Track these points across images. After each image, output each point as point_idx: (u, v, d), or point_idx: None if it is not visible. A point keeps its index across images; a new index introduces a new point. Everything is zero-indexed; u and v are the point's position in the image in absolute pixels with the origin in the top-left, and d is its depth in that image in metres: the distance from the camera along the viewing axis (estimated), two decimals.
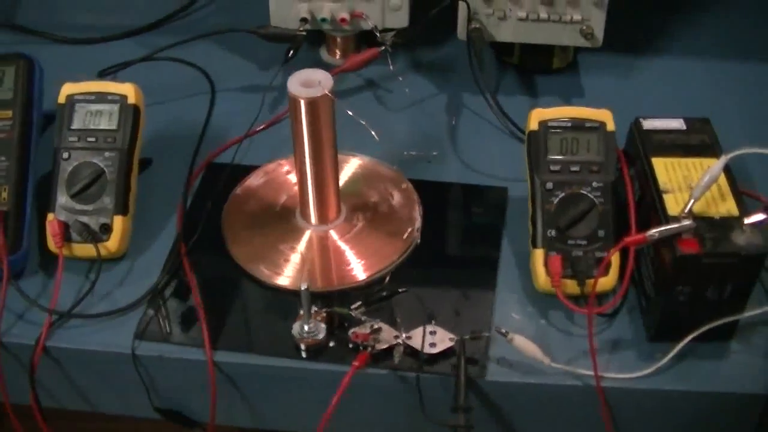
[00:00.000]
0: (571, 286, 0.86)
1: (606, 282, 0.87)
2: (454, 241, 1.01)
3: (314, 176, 0.93)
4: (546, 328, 0.88)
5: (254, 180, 1.04)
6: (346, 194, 1.00)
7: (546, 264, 0.87)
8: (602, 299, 0.88)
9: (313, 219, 0.97)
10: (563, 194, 0.89)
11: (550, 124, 0.93)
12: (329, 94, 0.87)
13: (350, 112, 0.93)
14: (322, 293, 0.92)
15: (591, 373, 0.81)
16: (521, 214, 0.94)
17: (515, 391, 0.84)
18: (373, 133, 0.95)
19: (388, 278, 0.94)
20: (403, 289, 0.92)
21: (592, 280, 0.85)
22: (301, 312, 0.87)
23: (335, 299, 0.91)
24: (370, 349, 0.85)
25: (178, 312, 0.92)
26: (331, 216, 0.97)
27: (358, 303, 0.89)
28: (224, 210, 1.01)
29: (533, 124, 0.94)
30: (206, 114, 1.12)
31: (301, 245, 0.97)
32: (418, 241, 0.97)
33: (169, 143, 1.08)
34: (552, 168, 0.90)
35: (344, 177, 1.02)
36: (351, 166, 1.06)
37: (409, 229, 0.98)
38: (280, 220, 1.00)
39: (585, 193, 0.89)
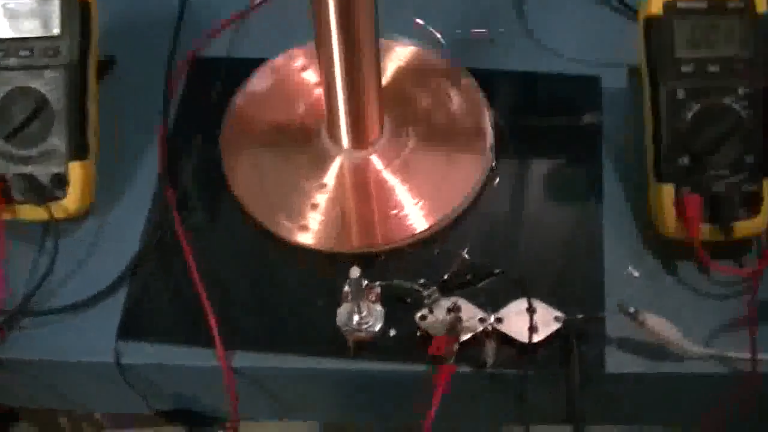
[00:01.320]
0: (710, 232, 0.66)
1: (754, 225, 0.66)
2: (538, 161, 0.75)
3: (347, 78, 0.66)
4: (676, 291, 0.67)
5: (258, 82, 0.76)
6: (389, 100, 0.73)
7: (678, 204, 0.66)
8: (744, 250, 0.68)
9: (346, 141, 0.69)
10: (699, 107, 0.66)
11: (679, 5, 0.67)
12: None
13: None
14: (366, 254, 0.68)
15: (746, 356, 0.62)
16: (620, 116, 0.75)
17: (643, 383, 0.65)
18: None
19: (459, 226, 0.70)
20: (493, 268, 0.65)
21: (740, 224, 0.65)
22: (348, 294, 0.64)
23: (389, 263, 0.68)
24: (453, 349, 0.62)
25: (172, 295, 0.68)
26: (372, 135, 0.70)
27: (422, 281, 0.65)
28: (222, 132, 0.73)
29: (654, 7, 0.68)
30: None
31: (331, 179, 0.69)
32: (493, 162, 0.69)
33: (136, 34, 0.82)
34: (683, 69, 0.67)
35: (384, 75, 0.75)
36: (390, 58, 0.78)
37: (481, 146, 0.71)
38: (299, 143, 0.74)
39: (728, 103, 0.66)
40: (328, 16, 0.61)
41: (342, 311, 0.64)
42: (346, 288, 0.64)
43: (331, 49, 0.63)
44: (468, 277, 0.63)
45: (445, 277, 0.65)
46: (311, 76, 0.77)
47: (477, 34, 0.80)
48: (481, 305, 0.64)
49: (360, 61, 0.64)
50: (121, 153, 0.75)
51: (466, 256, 0.67)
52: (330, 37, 0.62)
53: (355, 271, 0.60)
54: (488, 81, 0.77)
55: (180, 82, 0.79)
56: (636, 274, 0.68)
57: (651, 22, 0.68)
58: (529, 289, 0.64)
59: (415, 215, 0.69)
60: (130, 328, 0.66)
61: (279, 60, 0.79)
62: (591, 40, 0.80)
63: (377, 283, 0.65)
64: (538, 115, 0.77)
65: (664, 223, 0.67)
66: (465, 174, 0.71)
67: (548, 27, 0.82)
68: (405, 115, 0.74)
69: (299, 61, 0.79)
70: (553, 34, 0.81)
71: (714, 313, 0.65)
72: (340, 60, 0.64)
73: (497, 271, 0.64)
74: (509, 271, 0.66)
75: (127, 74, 0.80)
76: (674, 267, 0.68)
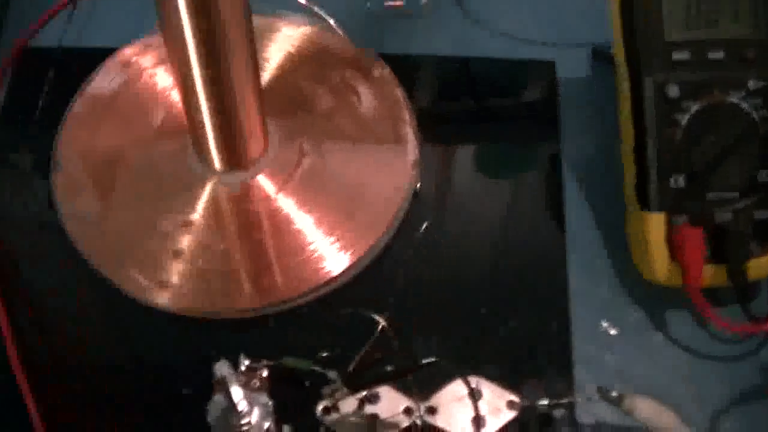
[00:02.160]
0: (713, 275, 0.50)
1: None
2: (478, 180, 0.57)
3: (209, 74, 0.47)
4: (666, 355, 0.51)
5: (102, 82, 0.56)
6: (275, 101, 0.55)
7: (671, 239, 0.49)
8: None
9: (218, 160, 0.50)
10: (698, 107, 0.49)
11: None
12: None
13: None
14: (248, 319, 0.50)
15: None
16: (581, 115, 0.58)
17: None
18: None
19: (374, 274, 0.52)
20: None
21: (753, 263, 0.49)
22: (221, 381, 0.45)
23: (279, 331, 0.51)
24: None
25: None
26: (254, 151, 0.51)
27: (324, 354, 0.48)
28: (56, 150, 0.54)
29: None
30: None
31: (199, 215, 0.50)
32: (418, 184, 0.51)
33: None
34: (676, 57, 0.50)
35: (265, 67, 0.58)
36: (273, 42, 0.59)
37: (402, 161, 0.54)
38: (157, 166, 0.55)
39: (736, 102, 0.49)
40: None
41: (214, 404, 0.46)
42: (218, 374, 0.46)
43: (182, 33, 0.44)
44: (388, 368, 0.45)
45: (351, 368, 0.46)
46: (171, 73, 0.58)
47: (391, 6, 0.61)
48: (405, 389, 0.46)
49: (226, 49, 0.46)
50: None
51: (383, 322, 0.49)
52: (178, 16, 0.43)
53: (222, 368, 0.41)
54: (407, 70, 0.58)
55: (4, 82, 0.59)
56: (613, 331, 0.51)
57: None
58: (470, 363, 0.46)
59: (315, 261, 0.51)
60: None
61: (128, 51, 0.60)
62: (540, 13, 0.63)
63: (263, 362, 0.47)
64: (475, 117, 0.59)
65: (651, 266, 0.50)
66: (381, 200, 0.53)
67: None
68: (298, 121, 0.56)
69: (154, 54, 0.59)
70: (490, 4, 0.63)
71: (719, 383, 0.50)
72: (197, 49, 0.45)
73: (427, 361, 0.45)
74: (441, 347, 0.48)
75: None
76: (663, 322, 0.52)
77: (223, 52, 0.45)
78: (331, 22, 0.58)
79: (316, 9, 0.58)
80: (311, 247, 0.52)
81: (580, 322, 0.51)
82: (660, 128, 0.49)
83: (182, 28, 0.43)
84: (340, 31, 0.53)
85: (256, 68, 0.48)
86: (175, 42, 0.45)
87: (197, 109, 0.49)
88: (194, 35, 0.44)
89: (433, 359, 0.44)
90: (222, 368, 0.42)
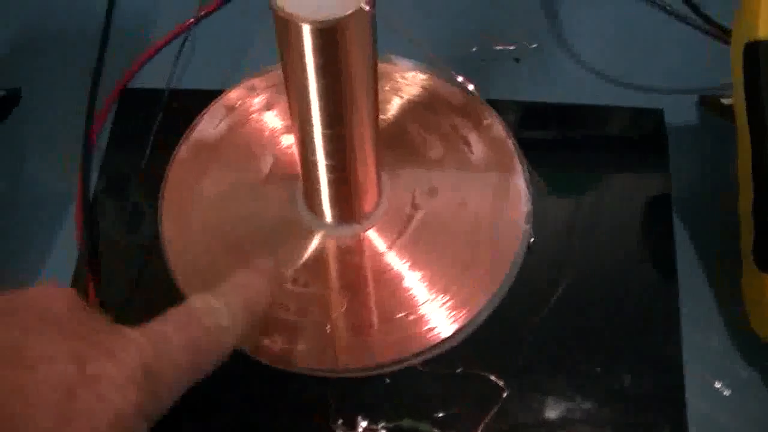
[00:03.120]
0: None
1: None
2: (585, 233, 0.55)
3: (330, 127, 0.45)
4: None
5: (209, 125, 0.55)
6: (387, 151, 0.54)
7: None
8: None
9: (330, 213, 0.49)
10: None
11: None
12: (366, 8, 0.38)
13: None
14: (362, 378, 0.48)
15: None
16: (690, 166, 0.57)
17: None
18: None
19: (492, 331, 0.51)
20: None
21: None
22: None
23: (395, 389, 0.49)
24: None
25: None
26: (367, 204, 0.49)
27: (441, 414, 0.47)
28: (162, 196, 0.53)
29: (764, 28, 0.48)
30: None
31: (308, 267, 0.49)
32: (532, 238, 0.50)
33: (46, 60, 0.62)
34: None
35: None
36: (385, 89, 0.58)
37: (515, 213, 0.53)
38: (264, 215, 0.55)
39: None
40: (301, 46, 0.40)
41: None
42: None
43: (308, 97, 0.43)
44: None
45: None
46: (279, 117, 0.58)
47: (499, 51, 0.60)
48: None
49: (352, 108, 0.44)
50: (23, 224, 0.55)
51: (503, 386, 0.48)
52: (306, 81, 0.42)
53: None
54: (515, 116, 0.57)
55: (105, 124, 0.58)
56: (726, 393, 0.49)
57: (756, 49, 0.48)
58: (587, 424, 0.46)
59: (432, 317, 0.50)
60: None
61: (234, 94, 0.59)
62: (647, 59, 0.61)
63: (382, 423, 0.46)
64: (586, 165, 0.57)
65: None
66: (496, 255, 0.52)
67: (590, 40, 0.62)
68: (409, 171, 0.55)
69: (262, 96, 0.59)
70: (597, 49, 0.62)
71: None
72: (321, 113, 0.44)
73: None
74: (556, 408, 0.47)
75: (35, 114, 0.60)
76: None
77: (349, 112, 0.44)
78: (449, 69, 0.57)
79: (432, 55, 0.57)
80: (424, 305, 0.51)
81: (693, 380, 0.50)
82: None
83: (307, 88, 0.43)
84: (459, 78, 0.53)
85: (377, 126, 0.47)
86: (297, 97, 0.44)
87: (314, 164, 0.48)
88: (320, 96, 0.43)
89: None
90: None
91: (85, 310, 0.38)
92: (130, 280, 0.53)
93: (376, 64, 0.43)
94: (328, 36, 0.39)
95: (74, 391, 0.34)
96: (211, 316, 0.41)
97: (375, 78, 0.44)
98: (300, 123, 0.45)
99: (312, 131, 0.45)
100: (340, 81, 0.42)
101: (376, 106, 0.46)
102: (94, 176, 0.57)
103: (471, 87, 0.51)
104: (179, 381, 0.39)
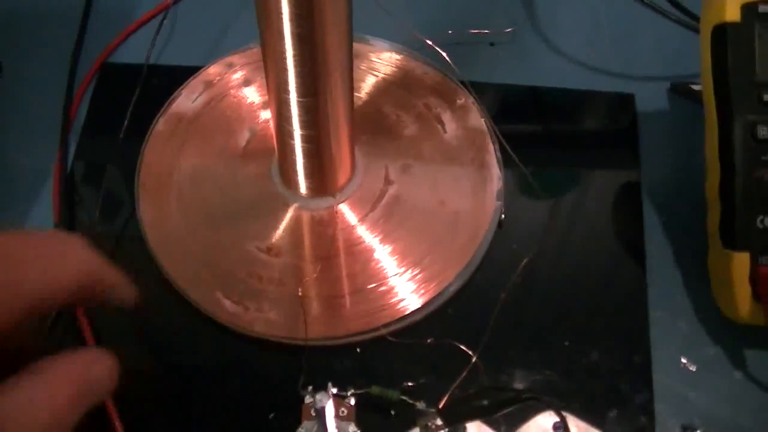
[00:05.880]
0: None
1: None
2: (561, 209, 0.56)
3: (305, 100, 0.46)
4: (748, 394, 0.50)
5: (187, 100, 0.56)
6: (362, 127, 0.56)
7: (756, 278, 0.48)
8: None
9: (304, 185, 0.50)
10: None
11: (762, 9, 0.49)
12: None
13: None
14: (333, 347, 0.50)
15: None
16: (660, 150, 0.58)
17: None
18: None
19: (460, 304, 0.52)
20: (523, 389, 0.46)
21: None
22: (310, 408, 0.46)
23: (364, 359, 0.50)
24: None
25: None
26: (341, 177, 0.50)
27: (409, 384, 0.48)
28: (139, 169, 0.53)
29: (730, 12, 0.50)
30: None
31: (283, 239, 0.50)
32: (502, 214, 0.51)
33: (27, 34, 0.63)
34: (767, 98, 0.49)
35: (355, 93, 0.55)
36: (362, 68, 0.60)
37: (487, 190, 0.55)
38: (240, 188, 0.56)
39: None
40: (280, 10, 0.41)
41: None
42: (308, 399, 0.46)
43: (285, 65, 0.44)
44: (484, 402, 0.44)
45: (444, 401, 0.46)
46: (256, 93, 0.58)
47: (475, 35, 0.61)
48: (492, 422, 0.46)
49: (327, 81, 0.45)
50: (2, 199, 0.55)
51: (473, 355, 0.49)
52: (282, 48, 0.43)
53: (323, 399, 0.41)
54: (489, 98, 0.58)
55: (84, 99, 0.59)
56: (693, 368, 0.50)
57: (723, 32, 0.50)
58: (554, 396, 0.47)
59: (402, 289, 0.51)
60: None
61: (213, 70, 0.60)
62: (620, 46, 0.62)
63: (350, 392, 0.47)
64: (555, 147, 0.58)
65: (733, 304, 0.50)
66: (466, 230, 0.53)
67: (565, 27, 0.63)
68: (383, 147, 0.56)
69: (240, 73, 0.59)
70: (571, 35, 0.63)
71: None
72: (297, 80, 0.45)
73: (528, 395, 0.44)
74: (524, 379, 0.48)
75: (15, 87, 0.60)
76: (742, 360, 0.51)
77: (324, 79, 0.45)
78: (426, 40, 0.58)
79: (415, 33, 0.58)
80: (395, 277, 0.52)
81: (660, 356, 0.51)
82: (748, 168, 0.49)
83: (284, 55, 0.43)
84: (423, 58, 0.53)
85: (352, 98, 0.48)
86: (275, 67, 0.45)
87: (289, 134, 0.49)
88: (296, 63, 0.44)
89: (531, 395, 0.44)
90: (323, 399, 0.41)
91: None
92: (106, 252, 0.54)
93: (351, 35, 0.44)
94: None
95: None
96: None
97: (350, 49, 0.45)
98: (276, 92, 0.46)
99: (288, 99, 0.46)
100: (316, 47, 0.42)
101: (350, 78, 0.47)
102: (72, 150, 0.57)
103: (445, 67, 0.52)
104: None
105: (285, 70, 0.44)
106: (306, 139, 0.49)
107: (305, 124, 0.47)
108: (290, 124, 0.48)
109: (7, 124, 0.59)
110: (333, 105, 0.47)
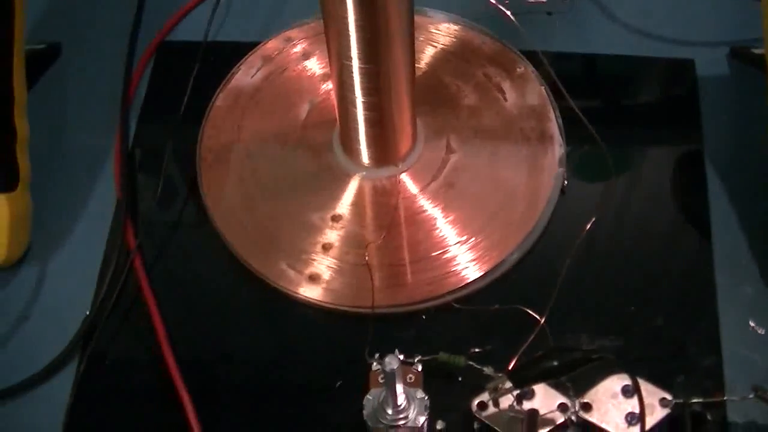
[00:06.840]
0: None
1: None
2: (624, 178, 0.56)
3: (368, 70, 0.47)
4: None
5: (245, 76, 0.56)
6: (423, 98, 0.56)
7: None
8: None
9: (366, 155, 0.50)
10: None
11: None
12: None
13: None
14: (398, 315, 0.50)
15: None
16: (722, 114, 0.57)
17: None
18: None
19: (524, 272, 0.52)
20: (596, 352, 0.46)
21: None
22: (378, 375, 0.46)
23: (430, 327, 0.50)
24: None
25: (136, 373, 0.50)
26: (402, 147, 0.50)
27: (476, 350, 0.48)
28: (200, 144, 0.54)
29: None
30: None
31: (346, 209, 0.50)
32: (565, 182, 0.50)
33: (86, 14, 0.64)
34: None
35: (416, 65, 0.55)
36: (422, 40, 0.60)
37: (548, 159, 0.54)
38: (303, 160, 0.56)
39: None
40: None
41: (370, 399, 0.46)
42: (375, 366, 0.46)
43: (347, 30, 0.44)
44: (554, 363, 0.44)
45: (513, 364, 0.46)
46: (316, 65, 0.58)
47: (532, 4, 0.61)
48: (559, 386, 0.45)
49: (388, 47, 0.45)
50: (65, 175, 0.56)
51: (540, 319, 0.48)
52: (344, 13, 0.43)
53: (392, 362, 0.41)
54: (548, 67, 0.58)
55: (144, 76, 0.59)
56: (761, 331, 0.49)
57: None
58: (622, 360, 0.46)
59: (465, 258, 0.51)
60: (80, 418, 0.47)
61: (272, 44, 0.60)
62: (678, 11, 0.62)
63: (417, 358, 0.47)
64: (616, 115, 0.58)
65: None
66: (528, 198, 0.52)
67: None
68: (444, 118, 0.56)
69: (299, 46, 0.60)
70: (627, 2, 0.63)
71: None
72: (359, 46, 0.45)
73: (597, 356, 0.44)
74: (591, 343, 0.48)
75: (74, 67, 0.61)
76: None
77: (386, 46, 0.45)
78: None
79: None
80: (457, 246, 0.52)
81: (727, 321, 0.50)
82: None
83: (346, 20, 0.43)
84: (483, 29, 0.52)
85: (413, 65, 0.48)
86: (336, 31, 0.45)
87: (352, 103, 0.49)
88: (358, 29, 0.44)
89: (600, 355, 0.43)
90: (392, 362, 0.41)
91: None
92: (168, 224, 0.54)
93: (411, 1, 0.44)
94: None
95: None
96: None
97: (411, 16, 0.45)
98: (338, 59, 0.46)
99: (351, 65, 0.46)
100: (377, 12, 0.43)
101: (412, 45, 0.47)
102: (133, 127, 0.58)
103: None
104: None
105: (347, 35, 0.44)
106: (368, 107, 0.49)
107: (367, 91, 0.48)
108: (352, 92, 0.48)
109: (67, 104, 0.60)
110: (395, 71, 0.47)
